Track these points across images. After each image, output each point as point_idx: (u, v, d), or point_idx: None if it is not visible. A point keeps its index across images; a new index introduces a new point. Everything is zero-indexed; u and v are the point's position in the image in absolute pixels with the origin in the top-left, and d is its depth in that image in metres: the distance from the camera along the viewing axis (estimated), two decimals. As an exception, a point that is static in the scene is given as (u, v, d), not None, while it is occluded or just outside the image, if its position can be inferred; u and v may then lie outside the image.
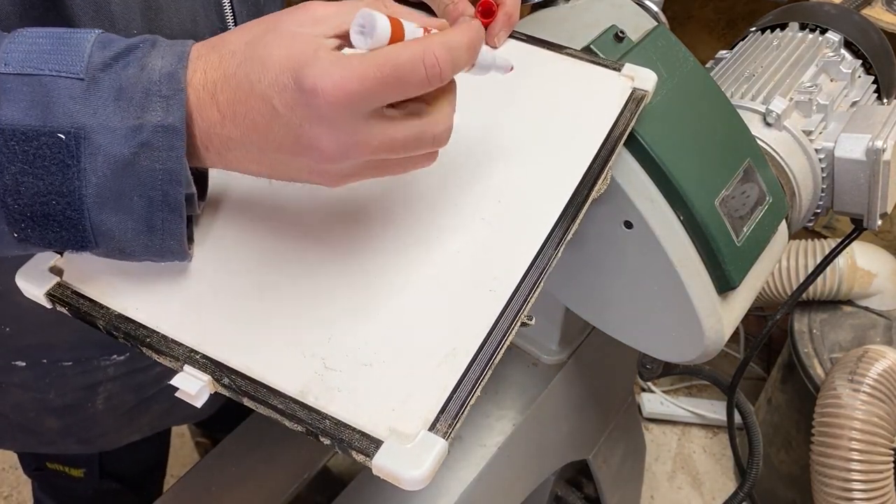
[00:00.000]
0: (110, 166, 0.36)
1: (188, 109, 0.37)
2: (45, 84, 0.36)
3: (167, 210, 0.38)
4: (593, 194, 0.48)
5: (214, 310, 0.43)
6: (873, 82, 0.74)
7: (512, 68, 0.46)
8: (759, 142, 0.62)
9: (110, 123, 0.36)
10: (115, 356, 0.71)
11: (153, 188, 0.37)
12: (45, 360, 0.70)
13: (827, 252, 0.96)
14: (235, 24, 0.58)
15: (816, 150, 0.65)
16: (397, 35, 0.36)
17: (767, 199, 0.60)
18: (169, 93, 0.36)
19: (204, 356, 0.40)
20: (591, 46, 0.57)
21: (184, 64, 0.37)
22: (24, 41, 0.37)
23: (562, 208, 0.46)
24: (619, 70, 0.54)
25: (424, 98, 0.39)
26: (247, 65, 0.36)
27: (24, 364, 0.70)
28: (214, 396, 0.41)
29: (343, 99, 0.34)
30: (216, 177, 0.47)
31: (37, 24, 0.47)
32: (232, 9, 0.57)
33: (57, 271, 0.44)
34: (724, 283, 0.58)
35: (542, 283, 0.43)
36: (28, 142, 0.36)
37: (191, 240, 0.44)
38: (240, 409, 0.47)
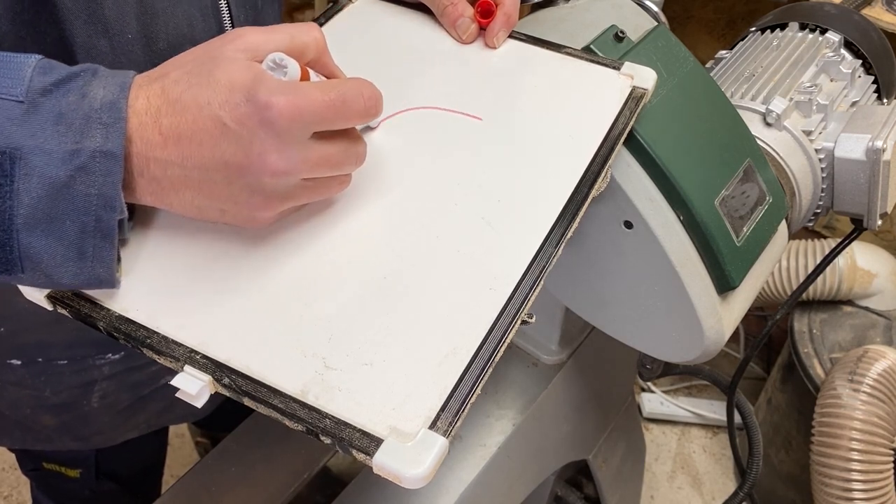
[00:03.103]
0: (45, 188, 0.37)
1: (128, 134, 0.38)
2: None
3: (99, 236, 0.39)
4: (593, 193, 0.48)
5: (214, 310, 0.43)
6: (873, 82, 0.74)
7: (378, 126, 0.52)
8: (759, 142, 0.62)
9: (47, 146, 0.36)
10: (109, 355, 0.72)
11: (86, 213, 0.38)
12: (40, 359, 0.70)
13: (827, 252, 0.96)
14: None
15: (816, 150, 0.65)
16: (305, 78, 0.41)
17: (767, 199, 0.60)
18: (110, 121, 0.37)
19: (204, 356, 0.40)
20: (591, 46, 0.57)
21: (125, 94, 0.38)
22: None
23: (561, 207, 0.46)
24: (618, 69, 0.54)
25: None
26: (193, 90, 0.38)
27: (19, 362, 0.70)
28: (212, 396, 0.41)
29: (295, 114, 0.37)
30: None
31: (28, 28, 0.48)
32: (230, 13, 0.57)
33: (57, 271, 0.44)
34: (724, 284, 0.58)
35: (542, 282, 0.43)
36: None
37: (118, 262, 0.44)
38: (240, 409, 0.47)
